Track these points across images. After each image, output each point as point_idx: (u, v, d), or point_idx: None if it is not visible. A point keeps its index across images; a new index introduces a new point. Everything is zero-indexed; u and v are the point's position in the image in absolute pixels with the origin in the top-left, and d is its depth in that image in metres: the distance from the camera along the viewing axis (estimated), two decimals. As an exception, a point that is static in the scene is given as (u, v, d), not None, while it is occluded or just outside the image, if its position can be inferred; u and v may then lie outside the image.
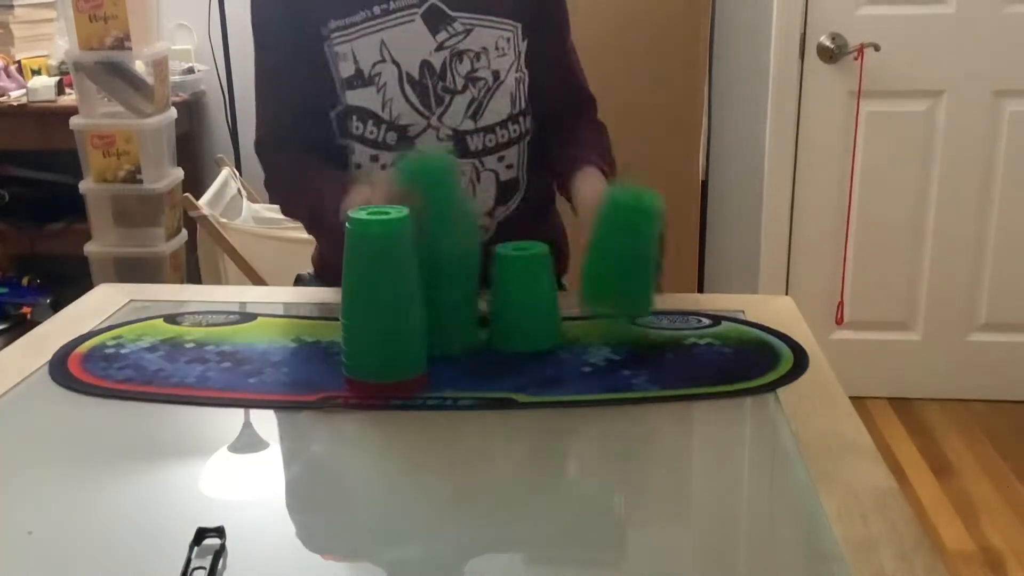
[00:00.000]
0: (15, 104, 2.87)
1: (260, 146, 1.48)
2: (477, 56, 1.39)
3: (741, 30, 2.85)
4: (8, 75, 2.94)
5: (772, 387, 1.13)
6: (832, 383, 1.15)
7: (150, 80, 2.76)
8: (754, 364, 1.19)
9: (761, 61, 2.83)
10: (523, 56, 1.44)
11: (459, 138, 1.40)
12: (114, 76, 2.74)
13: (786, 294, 2.85)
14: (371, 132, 1.39)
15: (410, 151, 1.33)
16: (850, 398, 1.11)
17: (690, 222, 2.79)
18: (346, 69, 1.37)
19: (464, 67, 1.39)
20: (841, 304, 2.95)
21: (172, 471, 1.00)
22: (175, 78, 2.95)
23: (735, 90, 2.89)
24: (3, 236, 3.14)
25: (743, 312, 1.35)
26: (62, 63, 2.99)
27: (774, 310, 1.36)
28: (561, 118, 1.51)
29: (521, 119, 1.46)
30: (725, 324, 1.31)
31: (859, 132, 2.82)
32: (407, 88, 1.38)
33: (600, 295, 1.22)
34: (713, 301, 1.45)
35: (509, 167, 1.45)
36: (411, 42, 1.37)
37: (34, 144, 2.97)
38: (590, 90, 1.57)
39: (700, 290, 2.92)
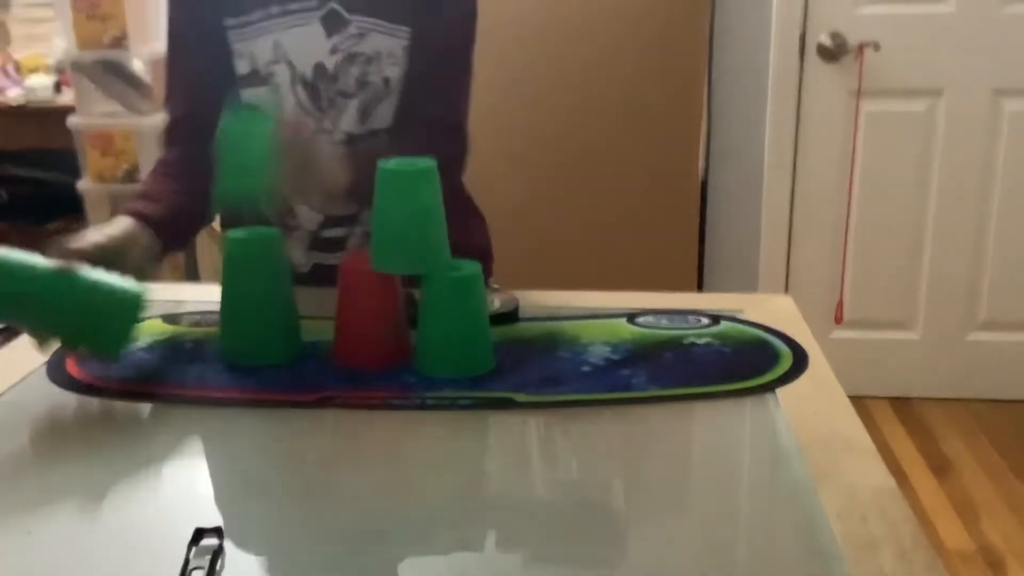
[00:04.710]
0: (13, 104, 2.86)
1: (161, 139, 1.47)
2: (368, 60, 1.37)
3: (741, 30, 2.84)
4: (6, 74, 2.94)
5: (772, 387, 1.13)
6: (832, 383, 1.15)
7: (148, 79, 2.76)
8: (754, 364, 1.19)
9: (761, 61, 2.83)
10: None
11: (351, 142, 1.39)
12: (112, 75, 2.74)
13: (786, 293, 2.85)
14: None
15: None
16: (850, 398, 1.11)
17: (690, 222, 2.79)
18: (242, 67, 1.38)
19: (356, 71, 1.37)
20: (841, 303, 2.95)
21: (171, 471, 1.00)
22: (174, 77, 2.95)
23: (735, 90, 2.89)
24: (2, 235, 3.14)
25: (742, 311, 1.35)
26: (60, 62, 2.99)
27: (773, 309, 1.36)
28: (410, 142, 1.39)
29: None
30: (724, 323, 1.31)
31: (859, 131, 2.82)
32: (299, 90, 1.37)
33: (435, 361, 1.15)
34: (712, 300, 1.44)
35: None
36: (306, 44, 1.36)
37: (32, 143, 2.97)
38: (463, 126, 1.45)
39: (699, 289, 2.92)
